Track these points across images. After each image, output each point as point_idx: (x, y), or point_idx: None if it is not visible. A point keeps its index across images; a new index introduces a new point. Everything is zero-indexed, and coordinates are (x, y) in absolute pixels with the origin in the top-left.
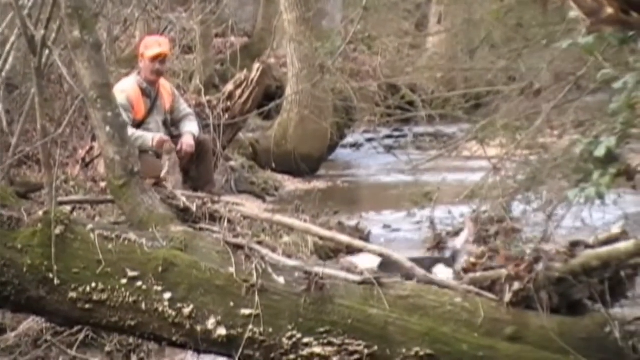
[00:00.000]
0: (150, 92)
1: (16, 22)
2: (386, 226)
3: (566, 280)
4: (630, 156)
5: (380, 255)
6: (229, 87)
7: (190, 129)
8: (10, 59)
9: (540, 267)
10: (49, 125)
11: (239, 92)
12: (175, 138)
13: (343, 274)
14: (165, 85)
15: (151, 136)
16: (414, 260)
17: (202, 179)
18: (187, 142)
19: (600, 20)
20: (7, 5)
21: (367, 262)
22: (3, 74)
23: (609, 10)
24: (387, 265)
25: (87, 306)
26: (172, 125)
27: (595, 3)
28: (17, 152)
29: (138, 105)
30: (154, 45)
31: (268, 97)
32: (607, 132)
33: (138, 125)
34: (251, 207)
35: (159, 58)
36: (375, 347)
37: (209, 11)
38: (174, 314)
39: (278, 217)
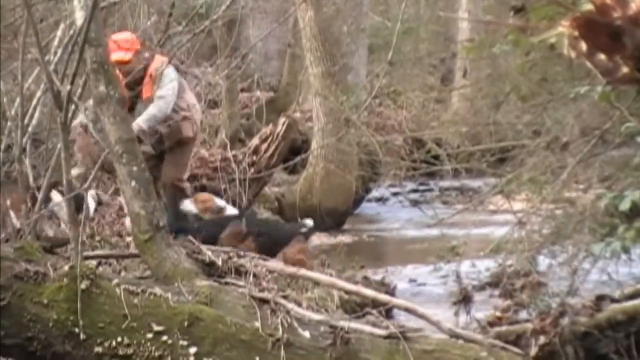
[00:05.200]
0: (132, 85)
1: (42, 78)
2: (412, 280)
3: (592, 335)
4: None
5: (407, 310)
6: (255, 141)
7: (139, 118)
8: (37, 114)
9: (566, 321)
10: (74, 180)
11: (264, 146)
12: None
13: (369, 328)
14: (153, 73)
15: None
16: None
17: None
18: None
19: (616, 79)
20: (33, 61)
21: None
22: (29, 129)
23: (625, 70)
24: None
25: None
26: None
27: (611, 63)
28: (43, 207)
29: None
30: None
31: (294, 151)
32: (632, 186)
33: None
34: (276, 261)
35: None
36: None
37: (235, 66)
38: None
39: (303, 271)
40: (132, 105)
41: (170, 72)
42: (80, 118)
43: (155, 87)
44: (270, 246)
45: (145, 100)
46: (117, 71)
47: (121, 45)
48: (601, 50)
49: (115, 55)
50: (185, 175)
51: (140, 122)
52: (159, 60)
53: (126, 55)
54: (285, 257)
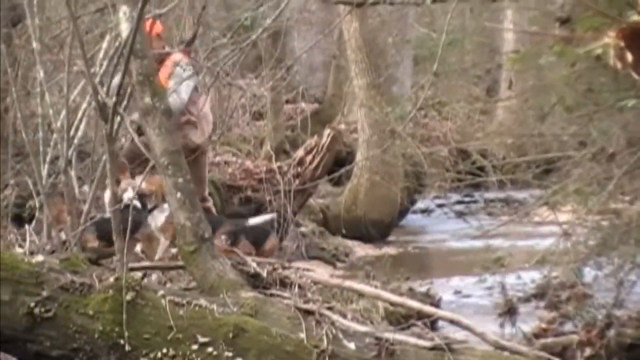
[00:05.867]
0: None
1: (88, 89)
2: (457, 292)
3: (638, 347)
4: None
5: (452, 321)
6: (300, 153)
7: None
8: (82, 126)
9: (612, 333)
10: (120, 192)
11: (309, 158)
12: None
13: (413, 340)
14: (168, 64)
15: None
16: None
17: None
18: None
19: None
20: (79, 73)
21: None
22: (75, 141)
23: None
24: None
25: None
26: None
27: None
28: (89, 218)
29: None
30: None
31: (338, 162)
32: None
33: None
34: (321, 272)
35: None
36: None
37: (280, 77)
38: None
39: (348, 283)
40: None
41: (189, 70)
42: None
43: (169, 79)
44: (254, 245)
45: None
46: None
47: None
48: None
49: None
50: (206, 192)
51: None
52: (178, 55)
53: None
54: (265, 254)
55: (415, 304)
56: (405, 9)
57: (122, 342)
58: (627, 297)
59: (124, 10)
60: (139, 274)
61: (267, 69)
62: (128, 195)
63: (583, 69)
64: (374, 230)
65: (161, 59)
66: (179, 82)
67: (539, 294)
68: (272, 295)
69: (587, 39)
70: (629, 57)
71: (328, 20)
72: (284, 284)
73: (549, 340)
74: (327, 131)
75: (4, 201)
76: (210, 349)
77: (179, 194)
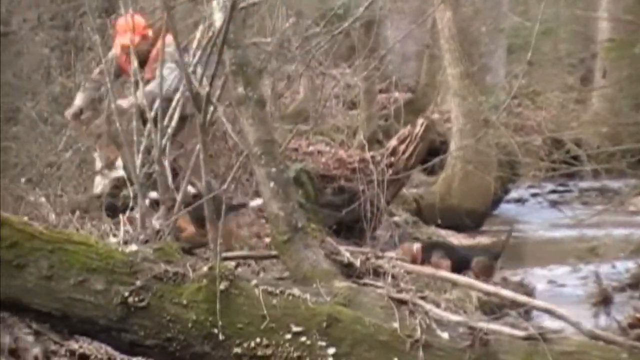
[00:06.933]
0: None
1: (182, 79)
2: (551, 281)
3: None
4: None
5: (546, 311)
6: (393, 142)
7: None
8: (176, 116)
9: None
10: (213, 182)
11: (402, 147)
12: None
13: (507, 330)
14: (153, 54)
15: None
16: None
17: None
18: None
19: None
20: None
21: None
22: (169, 130)
23: None
24: None
25: None
26: None
27: None
28: (182, 208)
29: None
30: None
31: (432, 152)
32: None
33: None
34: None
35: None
36: None
37: (373, 67)
38: None
39: (442, 272)
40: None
41: (174, 52)
42: (72, 108)
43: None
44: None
45: (152, 78)
46: (124, 55)
47: (129, 29)
48: None
49: (122, 40)
50: None
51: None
52: (168, 39)
53: (125, 39)
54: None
55: (508, 294)
56: None
57: (215, 331)
58: None
59: None
60: (232, 264)
61: (360, 59)
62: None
63: None
64: (468, 220)
65: (148, 51)
66: (171, 65)
67: (634, 284)
68: (365, 284)
69: None
70: None
71: (421, 9)
72: (377, 273)
73: None
74: (420, 120)
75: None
76: (303, 339)
77: (272, 184)
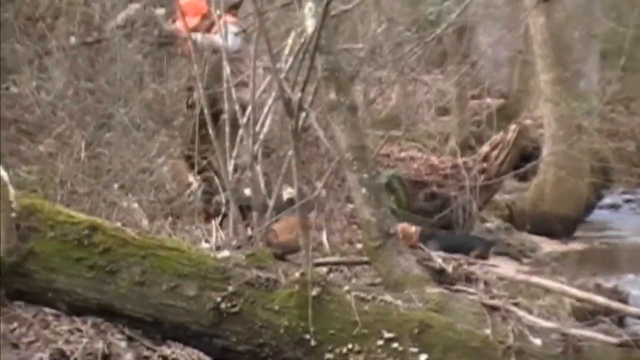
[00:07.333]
0: None
1: (274, 85)
2: None
3: None
4: None
5: None
6: (485, 148)
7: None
8: (268, 122)
9: None
10: (305, 188)
11: (495, 153)
12: None
13: (601, 336)
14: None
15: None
16: None
17: None
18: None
19: None
20: (265, 69)
21: None
22: (261, 136)
23: None
24: None
25: None
26: None
27: None
28: (275, 213)
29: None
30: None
31: (524, 158)
32: None
33: None
34: (507, 268)
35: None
36: None
37: (465, 73)
38: None
39: (534, 279)
40: None
41: (235, 29)
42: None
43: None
44: None
45: None
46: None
47: (189, 11)
48: None
49: (193, 21)
50: None
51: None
52: (229, 17)
53: (192, 21)
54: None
55: (602, 300)
56: (592, 3)
57: (307, 337)
58: None
59: (309, 6)
60: (324, 270)
61: (453, 65)
62: None
63: None
64: (560, 226)
65: (208, 29)
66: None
67: None
68: (457, 291)
69: None
70: None
71: (513, 14)
72: (470, 279)
73: None
74: (512, 126)
75: (191, 196)
76: (395, 345)
77: (364, 190)
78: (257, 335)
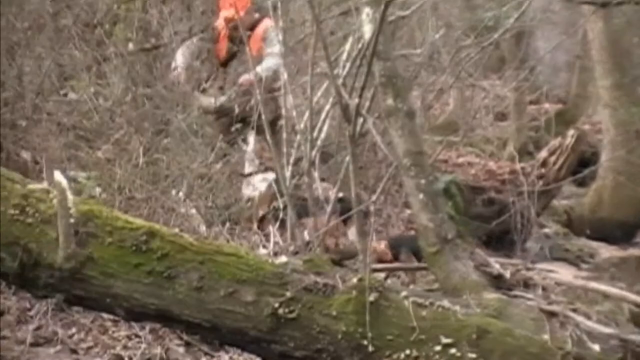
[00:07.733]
0: (234, 39)
1: (331, 91)
2: None
3: None
4: None
5: None
6: (543, 153)
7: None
8: (325, 127)
9: None
10: (363, 193)
11: (553, 158)
12: None
13: None
14: (259, 31)
15: None
16: None
17: None
18: (243, 77)
19: None
20: (322, 75)
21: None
22: (318, 142)
23: None
24: None
25: None
26: None
27: None
28: (332, 219)
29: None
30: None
31: (583, 163)
32: None
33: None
34: (565, 274)
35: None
36: None
37: (523, 78)
38: None
39: (593, 284)
40: (226, 62)
41: (278, 36)
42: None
43: (264, 46)
44: None
45: (256, 56)
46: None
47: (234, 3)
48: None
49: (226, 13)
50: None
51: (259, 70)
52: (268, 22)
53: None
54: None
55: None
56: None
57: (365, 342)
58: None
59: (366, 12)
60: (381, 275)
61: (510, 70)
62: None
63: None
64: (619, 232)
65: (252, 26)
66: (274, 44)
67: None
68: (515, 296)
69: None
70: None
71: (572, 20)
72: (528, 285)
73: None
74: (571, 132)
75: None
76: (453, 350)
77: (421, 195)
78: (315, 341)
